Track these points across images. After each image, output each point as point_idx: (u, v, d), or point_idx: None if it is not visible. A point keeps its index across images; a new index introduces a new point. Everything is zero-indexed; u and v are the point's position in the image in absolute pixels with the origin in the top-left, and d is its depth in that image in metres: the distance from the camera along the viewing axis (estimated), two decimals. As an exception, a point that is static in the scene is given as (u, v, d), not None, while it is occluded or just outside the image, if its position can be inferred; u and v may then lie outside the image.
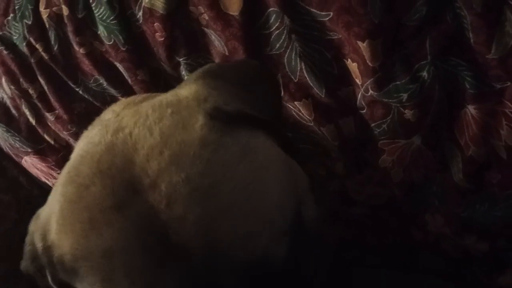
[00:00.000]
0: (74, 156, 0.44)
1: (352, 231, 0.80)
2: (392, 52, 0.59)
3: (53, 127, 0.90)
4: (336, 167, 0.73)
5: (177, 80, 0.75)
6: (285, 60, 0.66)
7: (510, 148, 0.60)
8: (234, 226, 0.36)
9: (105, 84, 0.80)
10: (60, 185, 0.42)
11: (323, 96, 0.67)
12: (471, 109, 0.60)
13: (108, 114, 0.48)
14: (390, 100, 0.62)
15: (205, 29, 0.68)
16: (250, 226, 0.37)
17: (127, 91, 0.79)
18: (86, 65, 0.79)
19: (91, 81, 0.81)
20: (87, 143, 0.43)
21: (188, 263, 0.36)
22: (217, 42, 0.68)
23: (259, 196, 0.38)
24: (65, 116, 0.85)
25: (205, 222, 0.36)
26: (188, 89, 0.45)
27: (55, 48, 0.79)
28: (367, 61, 0.60)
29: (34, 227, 0.44)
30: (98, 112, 0.83)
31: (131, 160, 0.39)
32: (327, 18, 0.60)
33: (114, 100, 0.82)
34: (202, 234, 0.36)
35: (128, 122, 0.42)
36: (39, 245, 0.42)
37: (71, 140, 0.90)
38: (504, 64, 0.56)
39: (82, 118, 0.85)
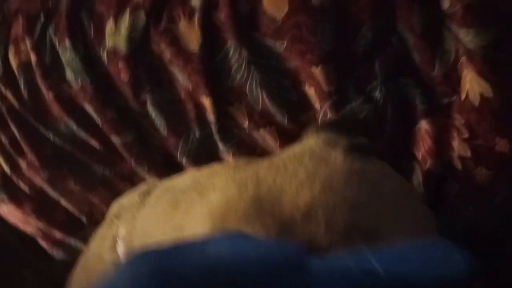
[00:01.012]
0: (200, 223, 0.42)
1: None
2: (344, 76, 0.63)
3: (27, 174, 0.91)
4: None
5: (145, 117, 0.78)
6: (247, 90, 0.69)
7: (464, 159, 0.63)
8: (396, 234, 0.38)
9: (74, 127, 0.81)
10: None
11: (286, 122, 0.70)
12: (424, 124, 0.64)
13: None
14: (348, 121, 0.65)
15: (168, 66, 0.71)
16: (410, 233, 0.39)
17: (96, 133, 0.81)
18: (56, 109, 0.81)
19: (61, 125, 0.83)
20: (215, 202, 0.42)
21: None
22: (181, 78, 0.71)
23: (413, 208, 0.42)
24: (37, 163, 0.86)
25: (371, 235, 0.37)
26: (314, 139, 0.47)
27: (25, 95, 0.81)
28: (323, 86, 0.63)
29: None
30: (69, 156, 0.86)
31: (279, 201, 0.39)
32: (282, 48, 0.64)
33: (84, 143, 0.83)
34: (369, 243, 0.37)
35: (267, 175, 0.42)
36: None
37: (45, 186, 0.91)
38: (448, 80, 0.60)
39: (53, 162, 0.87)
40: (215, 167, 0.54)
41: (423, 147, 0.65)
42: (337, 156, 0.42)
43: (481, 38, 0.54)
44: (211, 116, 0.73)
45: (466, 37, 0.55)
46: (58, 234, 0.94)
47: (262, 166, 0.45)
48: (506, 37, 0.53)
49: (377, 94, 0.63)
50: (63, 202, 0.92)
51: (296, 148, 0.48)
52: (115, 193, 0.90)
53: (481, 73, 0.56)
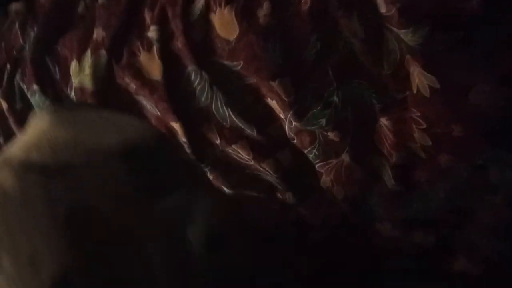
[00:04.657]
0: None
1: (320, 254, 0.84)
2: (301, 85, 0.66)
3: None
4: (286, 198, 0.78)
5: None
6: (214, 110, 0.72)
7: (426, 147, 0.66)
8: None
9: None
10: None
11: (255, 135, 0.73)
12: (383, 121, 0.67)
13: None
14: (313, 127, 0.68)
15: (135, 96, 0.74)
16: None
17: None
18: (33, 151, 0.83)
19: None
20: None
21: None
22: (149, 106, 0.74)
23: None
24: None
25: None
26: None
27: (1, 141, 0.84)
28: (283, 97, 0.66)
29: None
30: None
31: None
32: (239, 67, 0.67)
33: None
34: None
35: None
36: None
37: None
38: (397, 77, 0.63)
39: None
40: None
41: (386, 142, 0.68)
42: None
43: (418, 36, 0.57)
44: (183, 139, 0.76)
45: (406, 36, 0.58)
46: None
47: None
48: (437, 32, 0.57)
49: (335, 98, 0.66)
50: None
51: None
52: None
53: (425, 67, 0.59)
